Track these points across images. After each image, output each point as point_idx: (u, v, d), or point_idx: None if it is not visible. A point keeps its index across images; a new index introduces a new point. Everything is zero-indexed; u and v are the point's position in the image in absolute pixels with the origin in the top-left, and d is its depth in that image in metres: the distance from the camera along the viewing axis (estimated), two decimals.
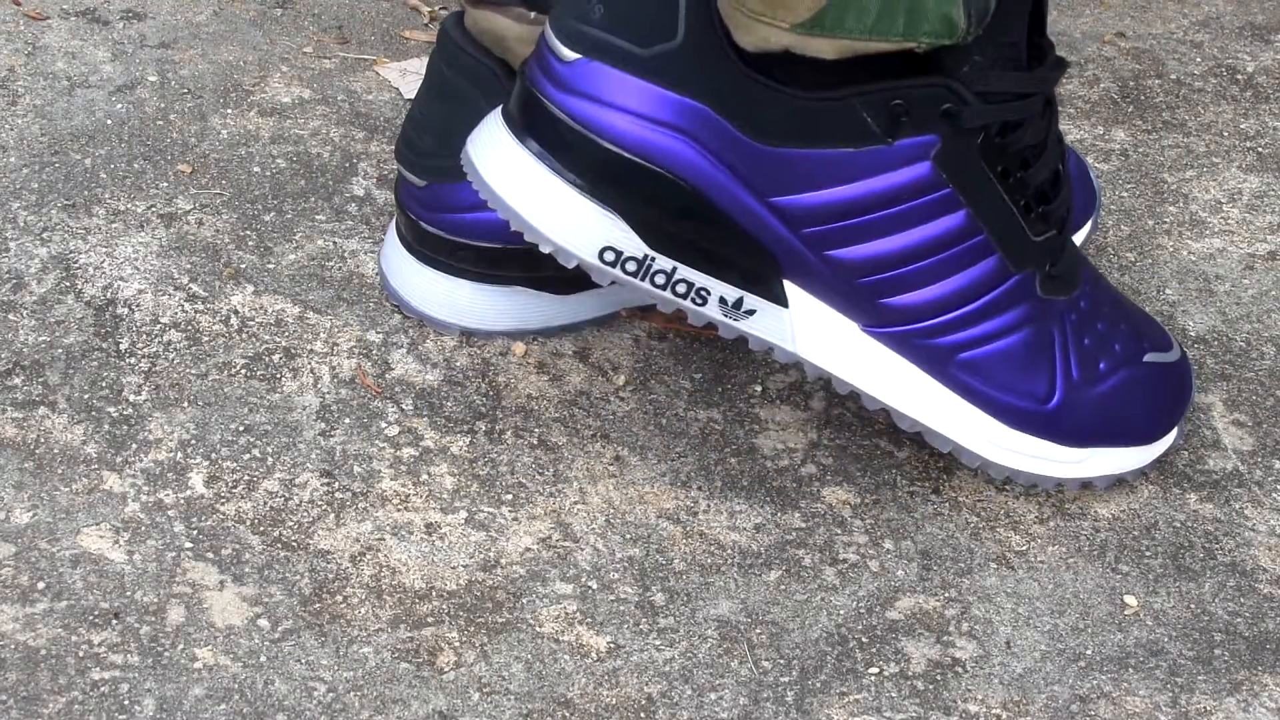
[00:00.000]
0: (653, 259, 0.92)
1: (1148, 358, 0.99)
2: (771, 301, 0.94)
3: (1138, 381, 0.98)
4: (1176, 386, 1.01)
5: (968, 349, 0.95)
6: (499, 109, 0.94)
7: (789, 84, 0.89)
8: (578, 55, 0.89)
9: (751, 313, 0.94)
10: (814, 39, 0.86)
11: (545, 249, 0.92)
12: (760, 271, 0.93)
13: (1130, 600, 0.95)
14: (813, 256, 0.92)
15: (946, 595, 0.94)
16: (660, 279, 0.93)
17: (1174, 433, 1.01)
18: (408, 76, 1.25)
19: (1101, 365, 0.97)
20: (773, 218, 0.91)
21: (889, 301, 0.93)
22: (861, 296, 0.93)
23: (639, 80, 0.89)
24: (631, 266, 0.92)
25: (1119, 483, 1.01)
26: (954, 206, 0.92)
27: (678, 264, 0.92)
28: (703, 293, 0.93)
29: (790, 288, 0.93)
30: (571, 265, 0.92)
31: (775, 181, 0.90)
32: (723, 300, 0.93)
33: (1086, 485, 0.99)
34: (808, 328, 0.94)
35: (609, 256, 0.92)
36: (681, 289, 0.93)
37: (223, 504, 0.95)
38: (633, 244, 0.92)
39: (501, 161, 0.91)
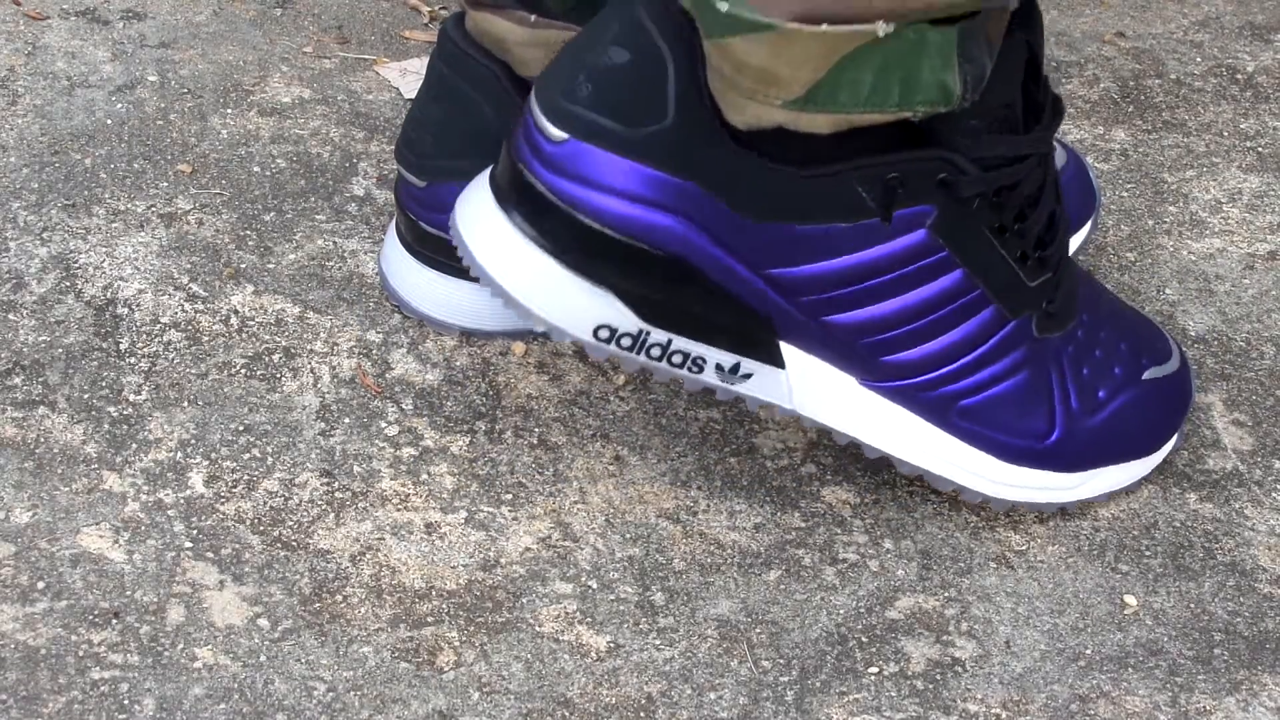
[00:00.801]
0: (648, 333, 0.91)
1: (1147, 374, 0.99)
2: (768, 364, 0.93)
3: (1137, 401, 0.98)
4: (1176, 396, 1.00)
5: (967, 397, 0.94)
6: (486, 174, 0.92)
7: (782, 160, 0.87)
8: (566, 135, 0.88)
9: (748, 376, 0.93)
10: (808, 114, 0.85)
11: (539, 329, 0.91)
12: (756, 337, 0.92)
13: (1130, 600, 0.95)
14: (810, 322, 0.92)
15: (946, 595, 0.94)
16: (656, 351, 0.92)
17: (1175, 437, 1.01)
18: (408, 76, 1.25)
19: (1101, 393, 0.97)
20: (768, 288, 0.91)
21: (888, 359, 0.93)
22: (860, 355, 0.93)
23: (630, 162, 0.87)
24: (627, 342, 0.91)
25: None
26: (950, 267, 0.91)
27: (673, 336, 0.92)
28: (699, 361, 0.92)
29: (787, 348, 0.93)
30: (566, 342, 0.91)
31: (769, 255, 0.90)
32: (719, 367, 0.93)
33: (1088, 504, 0.99)
34: (805, 385, 0.94)
35: (603, 334, 0.91)
36: (677, 359, 0.92)
37: (223, 504, 0.95)
38: (627, 320, 0.91)
39: (491, 238, 0.90)
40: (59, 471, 0.96)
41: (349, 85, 1.24)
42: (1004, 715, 0.89)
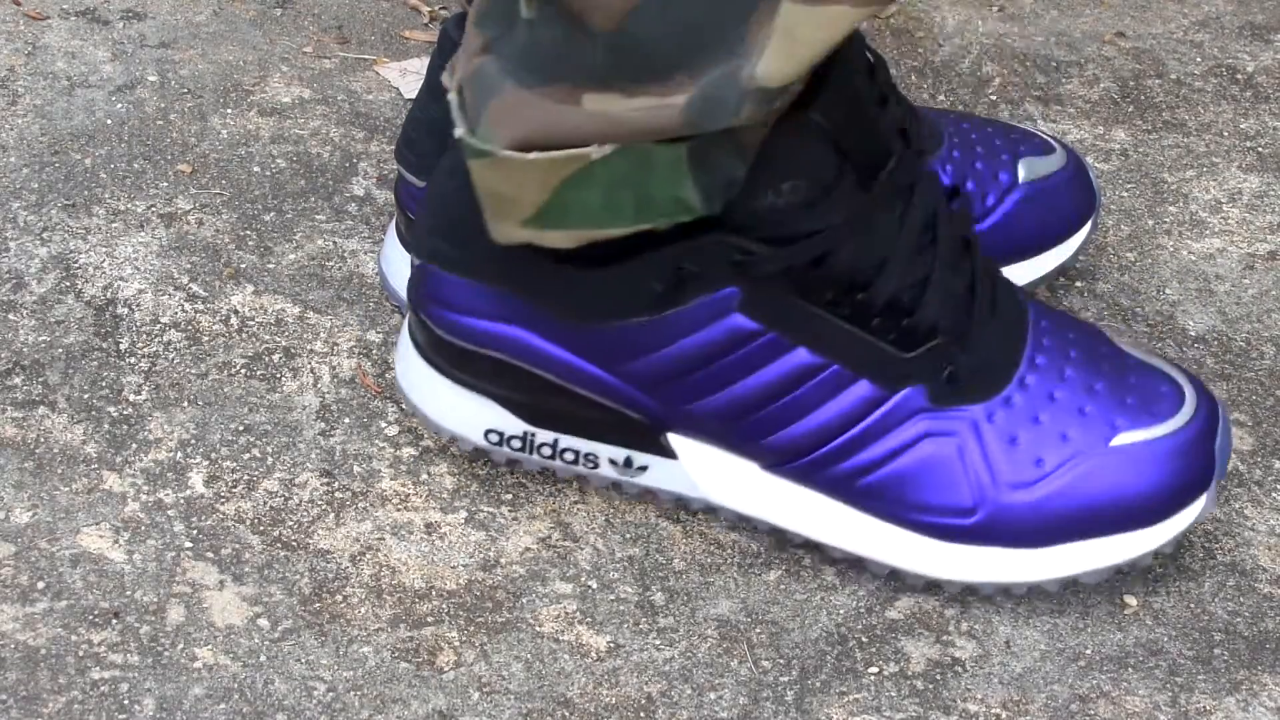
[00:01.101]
0: (533, 434, 0.94)
1: (1119, 440, 0.91)
2: (660, 455, 0.94)
3: (1104, 470, 0.91)
4: (1180, 460, 0.92)
5: (864, 475, 0.91)
6: None
7: (581, 263, 0.88)
8: (420, 260, 0.93)
9: (644, 469, 0.94)
10: (547, 232, 0.86)
11: (443, 437, 0.96)
12: (638, 430, 0.93)
13: (1130, 600, 0.95)
14: (676, 411, 0.92)
15: (946, 595, 0.94)
16: (546, 450, 0.94)
17: (1202, 501, 0.93)
18: (408, 76, 1.25)
19: (1041, 462, 0.91)
20: (626, 384, 0.91)
21: (770, 441, 0.91)
22: (743, 438, 0.92)
23: (466, 280, 0.91)
24: (516, 444, 0.94)
25: None
26: (788, 346, 0.89)
27: (559, 435, 0.94)
28: (591, 457, 0.94)
29: (675, 439, 0.93)
30: (468, 450, 0.96)
31: (611, 353, 0.91)
32: (612, 461, 0.94)
33: (1072, 583, 0.93)
34: (706, 474, 0.94)
35: (493, 438, 0.94)
36: (570, 457, 0.94)
37: (223, 504, 0.95)
38: (511, 423, 0.94)
39: (402, 356, 0.96)
40: (59, 471, 0.96)
41: (349, 85, 1.24)
42: (1004, 715, 0.89)
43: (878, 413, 0.90)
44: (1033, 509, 0.91)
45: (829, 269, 0.88)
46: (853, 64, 0.89)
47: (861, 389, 0.90)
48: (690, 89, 0.81)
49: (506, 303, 0.91)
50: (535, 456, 0.95)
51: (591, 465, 0.94)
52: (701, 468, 0.93)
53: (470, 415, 0.94)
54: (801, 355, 0.89)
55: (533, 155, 0.82)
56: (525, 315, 0.91)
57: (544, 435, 0.94)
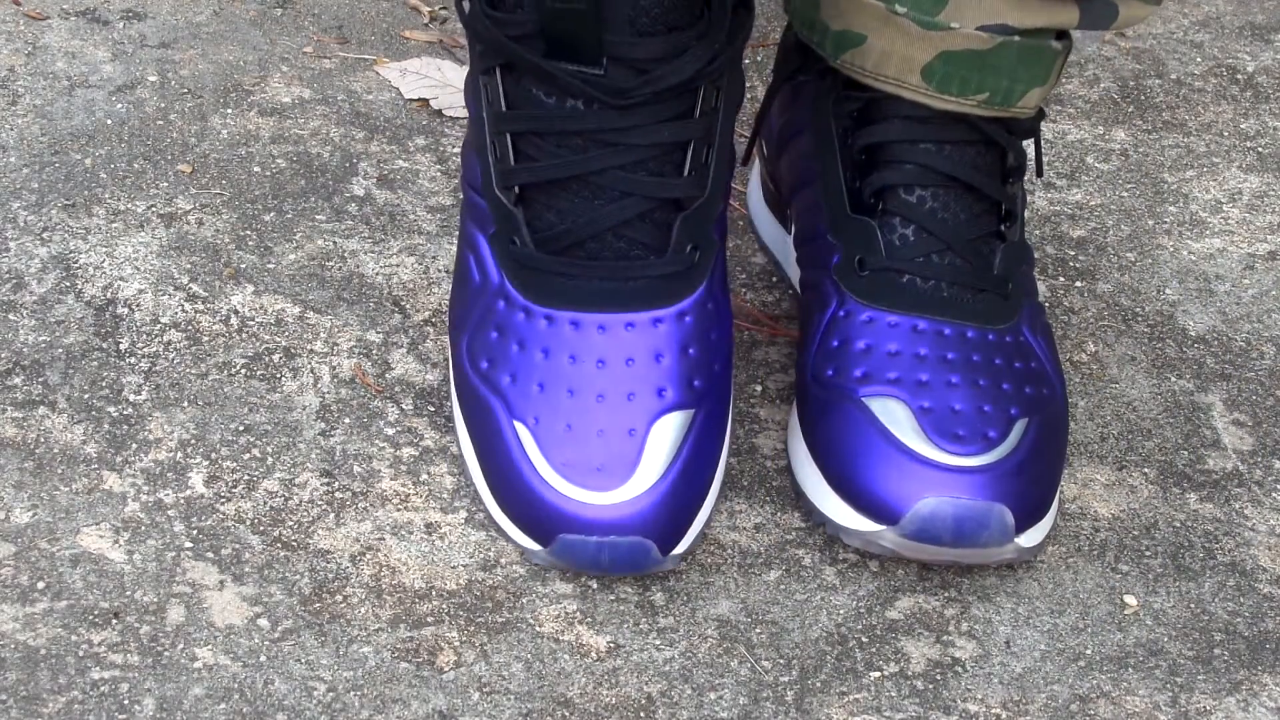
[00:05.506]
0: None
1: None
2: None
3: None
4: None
5: None
6: None
7: None
8: None
9: None
10: None
11: None
12: None
13: (1130, 600, 0.95)
14: None
15: (946, 595, 0.94)
16: None
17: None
18: (408, 76, 1.25)
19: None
20: None
21: None
22: None
23: None
24: None
25: (1117, 484, 1.01)
26: None
27: None
28: None
29: None
30: None
31: None
32: None
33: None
34: None
35: None
36: None
37: (223, 504, 0.95)
38: None
39: None
40: (59, 471, 0.96)
41: (349, 85, 1.24)
42: (1004, 715, 0.89)
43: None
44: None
45: None
46: None
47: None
48: None
49: None
50: None
51: None
52: None
53: None
54: None
55: None
56: None
57: None
